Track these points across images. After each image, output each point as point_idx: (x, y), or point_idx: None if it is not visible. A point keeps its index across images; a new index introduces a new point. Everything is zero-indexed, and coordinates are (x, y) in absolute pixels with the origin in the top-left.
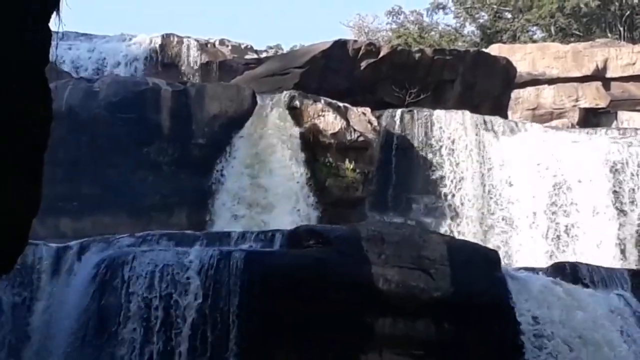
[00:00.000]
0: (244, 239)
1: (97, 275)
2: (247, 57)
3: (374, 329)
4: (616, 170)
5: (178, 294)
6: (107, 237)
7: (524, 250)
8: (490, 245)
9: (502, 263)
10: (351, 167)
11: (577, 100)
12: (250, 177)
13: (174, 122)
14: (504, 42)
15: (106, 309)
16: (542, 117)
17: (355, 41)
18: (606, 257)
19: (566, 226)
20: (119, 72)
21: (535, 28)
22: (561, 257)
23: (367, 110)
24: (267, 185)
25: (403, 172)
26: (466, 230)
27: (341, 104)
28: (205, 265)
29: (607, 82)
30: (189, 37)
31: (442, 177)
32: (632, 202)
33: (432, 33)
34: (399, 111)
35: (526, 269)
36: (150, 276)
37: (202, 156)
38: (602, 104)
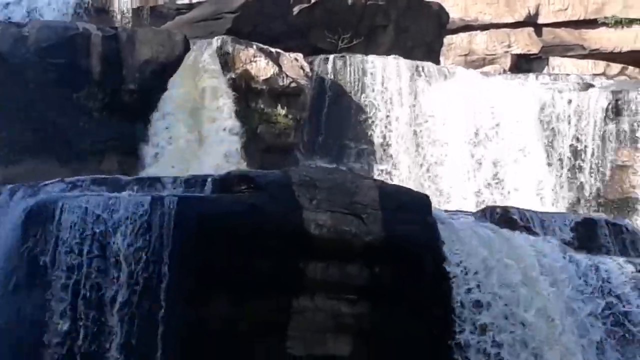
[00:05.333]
0: (175, 184)
1: (26, 221)
2: (178, 2)
3: (306, 274)
4: (547, 115)
5: (108, 240)
6: (36, 182)
7: (455, 194)
8: (421, 190)
9: (434, 207)
10: (283, 113)
11: (509, 46)
12: (181, 123)
13: (105, 67)
14: None
15: (35, 255)
16: (474, 63)
17: None
18: (535, 201)
19: (497, 170)
20: (49, 16)
21: None
22: (491, 201)
23: (300, 56)
24: (199, 132)
25: (335, 118)
26: (398, 175)
27: (273, 50)
28: (137, 211)
29: (539, 28)
30: None
31: (374, 123)
32: (562, 149)
33: None
34: (331, 57)
35: (457, 212)
36: (80, 222)
37: (133, 102)
38: (534, 50)
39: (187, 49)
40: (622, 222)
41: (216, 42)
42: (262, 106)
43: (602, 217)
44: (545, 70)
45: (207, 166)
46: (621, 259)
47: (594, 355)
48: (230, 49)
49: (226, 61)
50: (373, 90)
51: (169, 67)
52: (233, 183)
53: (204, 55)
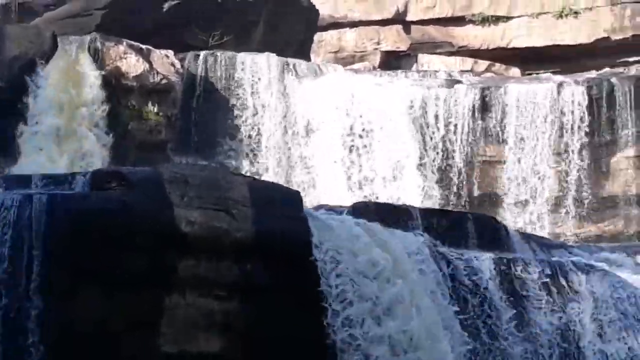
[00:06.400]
0: (45, 182)
1: None
2: None
3: (177, 271)
4: (416, 112)
5: None
6: None
7: (325, 191)
8: (292, 186)
9: (305, 203)
10: (154, 110)
11: (378, 43)
12: (51, 119)
13: None
14: None
15: None
16: (344, 60)
17: None
18: (406, 196)
19: (369, 166)
20: None
21: None
22: (363, 197)
23: (170, 52)
24: (70, 128)
25: (207, 115)
26: (269, 172)
27: (143, 47)
28: (6, 210)
29: (407, 26)
30: None
31: (245, 120)
32: (431, 145)
33: None
34: (202, 53)
35: (327, 208)
36: None
37: (2, 99)
38: (403, 47)
39: (56, 45)
40: (488, 217)
41: (86, 38)
42: (133, 103)
43: (469, 213)
44: (414, 67)
45: (78, 163)
46: (487, 254)
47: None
48: (99, 46)
49: (96, 58)
50: (243, 87)
51: (39, 63)
52: (104, 180)
53: (73, 52)
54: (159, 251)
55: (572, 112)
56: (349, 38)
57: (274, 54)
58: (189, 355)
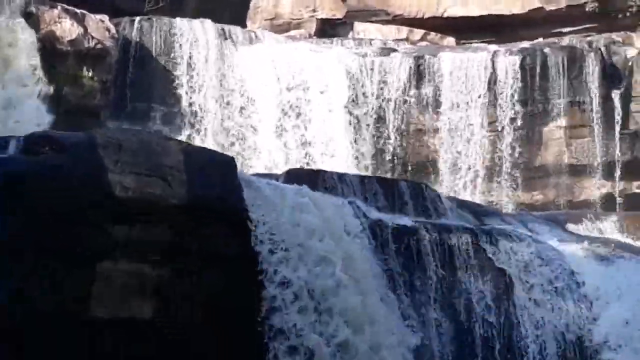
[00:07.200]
0: None
1: None
2: None
3: (110, 236)
4: (353, 79)
5: None
6: None
7: (263, 159)
8: (228, 152)
9: (239, 169)
10: (89, 75)
11: (314, 10)
12: None
13: None
14: None
15: None
16: (280, 27)
17: None
18: (340, 164)
19: (304, 133)
20: None
21: None
22: (299, 164)
23: (105, 17)
24: (3, 93)
25: (141, 81)
26: (205, 139)
27: (78, 11)
28: None
29: None
30: None
31: (180, 87)
32: (366, 113)
33: None
34: (137, 19)
35: (262, 175)
36: None
37: None
38: (339, 14)
39: None
40: (422, 184)
41: (20, 2)
42: (67, 68)
43: (402, 180)
44: (349, 35)
45: (13, 128)
46: (420, 221)
47: (395, 309)
48: (34, 10)
49: (31, 22)
50: (179, 53)
51: None
52: (36, 144)
53: (7, 16)
54: (92, 217)
55: (506, 82)
56: (285, 5)
57: (210, 20)
58: (120, 320)
